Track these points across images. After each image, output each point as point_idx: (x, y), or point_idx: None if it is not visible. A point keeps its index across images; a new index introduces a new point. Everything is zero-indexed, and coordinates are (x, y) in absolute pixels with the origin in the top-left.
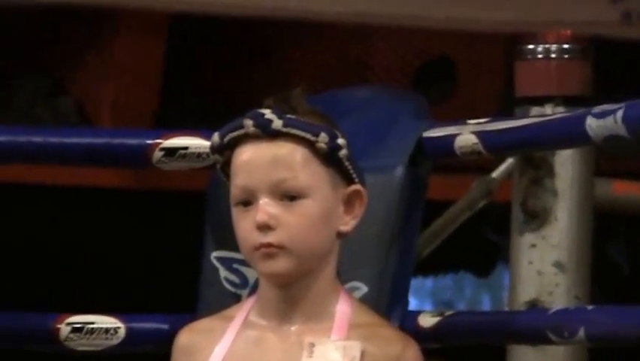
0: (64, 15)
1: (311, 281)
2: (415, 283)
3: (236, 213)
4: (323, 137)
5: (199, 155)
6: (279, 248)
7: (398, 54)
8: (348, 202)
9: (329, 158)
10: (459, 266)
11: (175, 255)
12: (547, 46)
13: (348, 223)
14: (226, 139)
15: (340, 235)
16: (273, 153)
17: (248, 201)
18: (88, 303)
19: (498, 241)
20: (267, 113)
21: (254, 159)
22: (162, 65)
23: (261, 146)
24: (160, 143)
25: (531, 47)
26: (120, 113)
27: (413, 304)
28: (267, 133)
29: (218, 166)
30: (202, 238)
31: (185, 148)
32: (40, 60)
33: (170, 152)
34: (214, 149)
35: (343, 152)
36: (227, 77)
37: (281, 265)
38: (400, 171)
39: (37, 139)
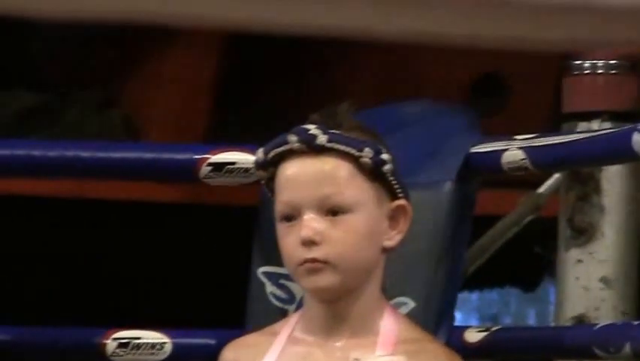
0: (116, 28)
1: (356, 296)
2: (461, 297)
3: (281, 228)
4: (367, 152)
5: (246, 170)
6: (324, 263)
7: (449, 69)
8: (393, 217)
9: (373, 173)
10: (505, 281)
11: (223, 270)
12: (594, 61)
13: (393, 238)
14: (270, 155)
15: (385, 250)
16: (317, 169)
17: (292, 217)
18: (135, 317)
19: (545, 255)
20: (312, 128)
21: (298, 175)
22: (215, 80)
23: (305, 161)
24: (207, 158)
25: (578, 62)
26: (170, 127)
27: (458, 318)
28: (311, 148)
29: (263, 182)
30: (250, 253)
31: (233, 163)
32: (92, 73)
33: (218, 167)
34: (258, 165)
35: (388, 167)
36: (282, 93)
37: (326, 280)
38: (448, 186)
39: (85, 153)
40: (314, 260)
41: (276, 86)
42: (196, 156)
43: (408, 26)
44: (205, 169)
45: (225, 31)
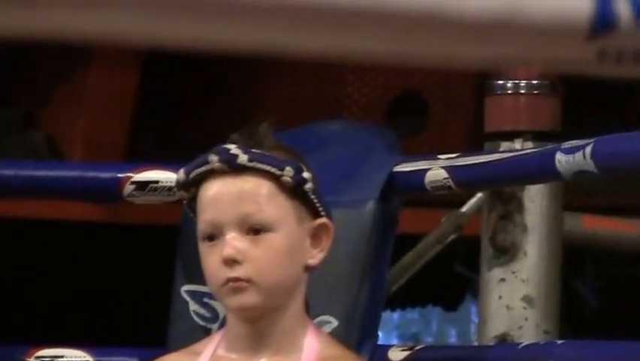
0: (35, 48)
1: (279, 315)
2: (382, 316)
3: (203, 248)
4: (288, 170)
5: (170, 189)
6: (246, 282)
7: (370, 89)
8: (315, 236)
9: (294, 191)
10: (427, 300)
11: (146, 288)
12: (516, 81)
13: (315, 257)
14: (192, 175)
15: (308, 268)
16: (238, 188)
17: (214, 236)
18: (58, 336)
19: (467, 274)
20: (233, 148)
21: (220, 194)
22: (134, 99)
23: (226, 181)
24: (131, 177)
25: (500, 82)
26: (91, 147)
27: (379, 337)
28: (232, 168)
29: (185, 202)
30: (173, 271)
31: (156, 182)
32: (12, 93)
33: (141, 186)
34: (180, 185)
35: (309, 185)
36: (200, 112)
37: (249, 299)
38: (370, 205)
39: (8, 172)
40: (237, 279)
41: (197, 105)
42: (120, 175)
43: (330, 44)
44: (129, 188)
45: (143, 50)
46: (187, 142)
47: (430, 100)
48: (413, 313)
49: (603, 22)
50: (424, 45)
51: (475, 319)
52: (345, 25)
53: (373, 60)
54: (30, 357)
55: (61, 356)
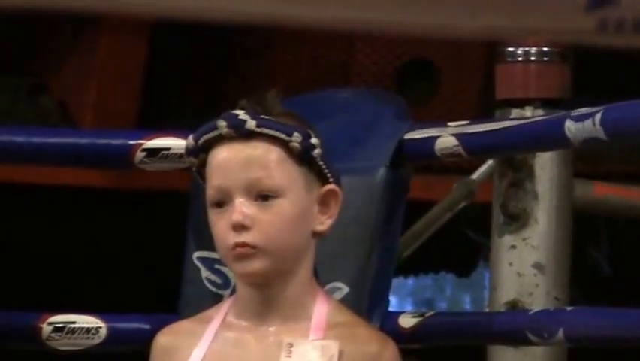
0: (46, 17)
1: (287, 281)
2: (396, 282)
3: (213, 214)
4: (296, 136)
5: (181, 156)
6: (253, 248)
7: (379, 56)
8: (323, 202)
9: (303, 157)
10: (440, 266)
11: (159, 255)
12: (526, 49)
13: (323, 223)
14: (200, 141)
15: (316, 234)
16: (247, 154)
17: (223, 202)
18: (70, 302)
19: (479, 240)
20: (241, 114)
21: (229, 160)
22: (144, 66)
23: (235, 147)
24: (142, 144)
25: (511, 49)
26: (102, 114)
27: (393, 303)
28: (240, 134)
29: (194, 169)
30: (185, 238)
31: (168, 149)
32: (23, 61)
33: (153, 152)
34: (189, 151)
35: (317, 151)
36: (210, 79)
37: (256, 265)
38: (381, 172)
39: (20, 139)
40: (244, 245)
41: (207, 72)
42: (131, 142)
43: (336, 15)
44: (140, 155)
45: (152, 19)
46: (197, 109)
47: (440, 67)
48: (427, 280)
49: None
50: (431, 16)
51: (488, 285)
52: None
53: (381, 31)
54: (42, 323)
55: (74, 322)
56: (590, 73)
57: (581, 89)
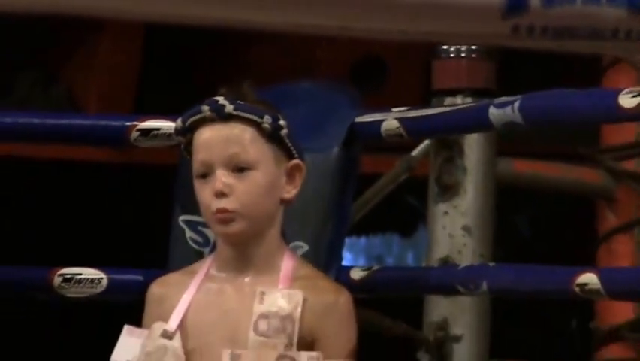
0: (55, 18)
1: (260, 240)
2: (350, 241)
3: (198, 183)
4: (267, 118)
5: (169, 135)
6: (232, 213)
7: (337, 53)
8: (290, 174)
9: (272, 136)
10: (387, 228)
11: (150, 218)
12: (458, 47)
13: (290, 192)
14: (187, 123)
15: (283, 201)
16: (226, 133)
17: (207, 174)
18: (77, 257)
19: (419, 207)
20: (221, 100)
21: (211, 138)
22: (140, 60)
23: (216, 127)
24: (137, 125)
25: (445, 48)
26: (104, 100)
27: (348, 258)
28: (221, 116)
29: (182, 146)
30: (172, 204)
31: (158, 129)
32: (37, 55)
33: (145, 132)
34: (177, 131)
35: (284, 131)
36: (194, 73)
37: (234, 227)
38: (335, 151)
39: (35, 120)
40: (224, 210)
41: (194, 65)
42: (127, 123)
43: (297, 19)
44: (135, 134)
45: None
46: (183, 97)
47: (388, 63)
48: (376, 239)
49: (515, 5)
50: (374, 22)
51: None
52: (311, 5)
53: (332, 34)
54: (54, 275)
55: (80, 274)
56: (528, 68)
57: (520, 83)
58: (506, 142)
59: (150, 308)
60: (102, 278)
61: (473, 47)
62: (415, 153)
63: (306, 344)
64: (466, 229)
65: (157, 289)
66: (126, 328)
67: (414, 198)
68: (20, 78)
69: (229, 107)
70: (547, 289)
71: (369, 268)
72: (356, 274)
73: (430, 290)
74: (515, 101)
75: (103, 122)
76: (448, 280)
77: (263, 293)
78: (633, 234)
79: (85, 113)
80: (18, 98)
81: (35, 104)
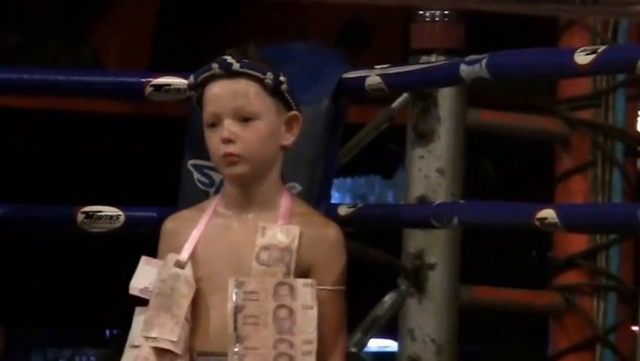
0: None
1: (262, 181)
2: (338, 182)
3: (208, 132)
4: (269, 75)
5: (179, 90)
6: (237, 157)
7: (327, 17)
8: (288, 124)
9: (274, 91)
10: (370, 170)
11: (163, 162)
12: (433, 12)
13: (288, 139)
14: (199, 79)
15: (283, 147)
16: (233, 88)
17: (216, 123)
18: (98, 196)
19: (398, 152)
20: (229, 58)
21: (220, 92)
22: (155, 24)
23: (224, 82)
24: (150, 81)
25: (421, 12)
26: (123, 59)
27: (336, 196)
28: (228, 73)
29: (194, 100)
30: (182, 149)
31: (169, 85)
32: (67, 20)
33: (158, 88)
34: (190, 87)
35: (284, 86)
36: (204, 35)
37: (239, 169)
38: (326, 103)
39: (62, 77)
40: (231, 154)
41: (202, 28)
42: (142, 80)
43: None
44: (149, 89)
45: None
46: (194, 57)
47: (372, 26)
48: (360, 180)
49: None
50: None
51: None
52: None
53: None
54: (77, 212)
55: (100, 211)
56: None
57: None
58: (475, 94)
59: (164, 241)
60: (120, 215)
61: (446, 12)
62: (394, 104)
63: (302, 271)
64: (439, 170)
65: (170, 224)
66: (143, 258)
67: (394, 144)
68: (52, 40)
69: (236, 65)
70: (511, 223)
71: (354, 206)
72: (343, 211)
73: (408, 225)
74: (483, 59)
75: (120, 79)
76: (423, 216)
77: (264, 228)
78: (587, 174)
79: (106, 71)
80: (51, 57)
81: (65, 62)
